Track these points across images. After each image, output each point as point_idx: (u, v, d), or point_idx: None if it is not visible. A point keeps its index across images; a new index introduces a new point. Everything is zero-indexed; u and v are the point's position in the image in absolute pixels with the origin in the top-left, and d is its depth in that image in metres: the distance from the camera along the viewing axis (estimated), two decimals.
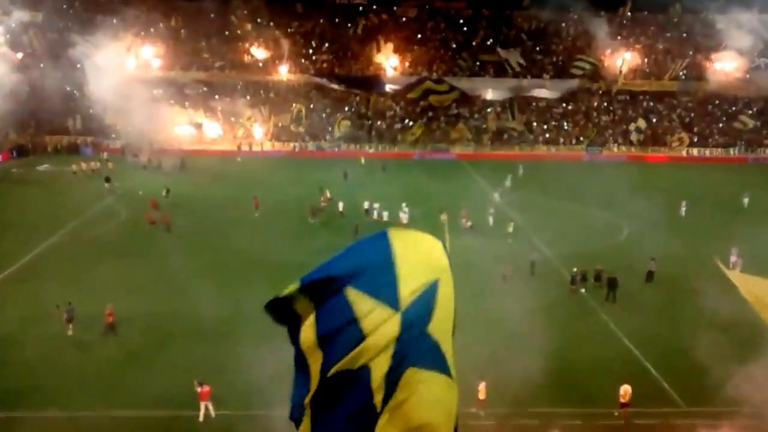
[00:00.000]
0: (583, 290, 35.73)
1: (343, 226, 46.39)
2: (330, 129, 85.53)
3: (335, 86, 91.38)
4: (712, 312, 31.00)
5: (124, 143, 76.52)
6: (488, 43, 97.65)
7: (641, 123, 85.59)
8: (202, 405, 24.07)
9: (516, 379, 24.87)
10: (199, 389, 24.05)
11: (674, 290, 35.92)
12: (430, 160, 79.22)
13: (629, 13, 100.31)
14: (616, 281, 34.79)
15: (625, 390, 24.57)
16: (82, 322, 30.36)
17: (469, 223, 47.49)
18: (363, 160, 74.14)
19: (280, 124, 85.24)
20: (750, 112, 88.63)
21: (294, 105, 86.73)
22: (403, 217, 47.61)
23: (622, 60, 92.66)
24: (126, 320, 30.99)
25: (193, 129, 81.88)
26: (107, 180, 60.17)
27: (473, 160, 78.54)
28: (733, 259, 38.14)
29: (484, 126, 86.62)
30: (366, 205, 50.53)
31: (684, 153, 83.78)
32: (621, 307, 34.01)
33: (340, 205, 50.88)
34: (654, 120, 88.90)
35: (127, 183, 60.60)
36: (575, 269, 36.61)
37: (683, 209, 51.65)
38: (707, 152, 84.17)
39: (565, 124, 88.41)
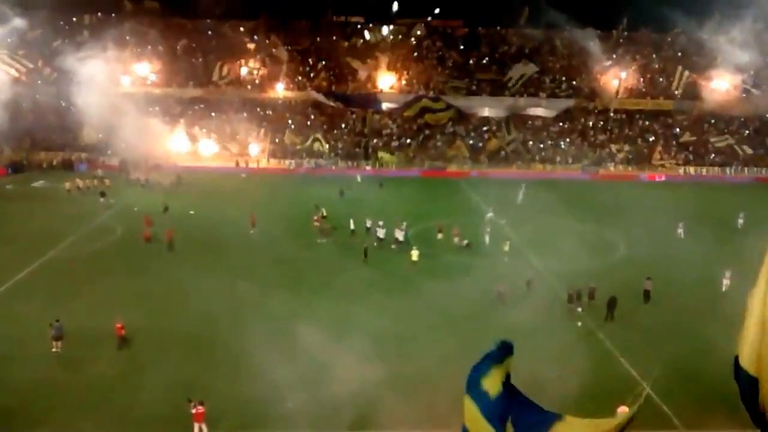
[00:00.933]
0: (579, 309, 35.46)
1: (354, 246, 46.41)
2: (326, 147, 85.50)
3: (332, 104, 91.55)
4: (708, 333, 30.86)
5: (121, 160, 76.02)
6: (484, 61, 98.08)
7: (624, 148, 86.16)
8: (196, 426, 23.66)
9: None
10: (193, 410, 23.67)
11: (671, 310, 35.81)
12: (429, 178, 79.28)
13: (625, 33, 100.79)
14: (615, 300, 34.55)
15: (623, 412, 24.29)
16: (75, 339, 30.09)
17: (465, 242, 47.40)
18: (359, 178, 74.19)
19: (279, 141, 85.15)
20: (747, 131, 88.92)
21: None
22: (399, 234, 47.40)
23: (618, 81, 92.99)
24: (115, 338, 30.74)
25: (188, 146, 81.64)
26: (102, 195, 60.37)
27: (470, 178, 78.61)
28: (725, 282, 38.04)
29: (481, 144, 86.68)
30: (368, 223, 50.10)
31: (681, 172, 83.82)
32: (618, 326, 33.78)
33: (351, 223, 50.26)
34: (651, 139, 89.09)
35: (123, 200, 60.40)
36: (572, 288, 36.41)
37: (680, 230, 51.52)
38: (704, 171, 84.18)
39: (562, 142, 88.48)
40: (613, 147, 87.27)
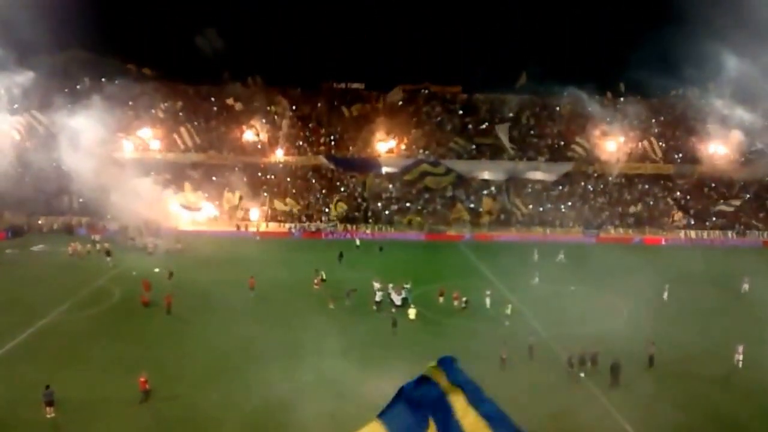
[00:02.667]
0: (582, 374, 34.69)
1: (369, 311, 46.09)
2: (327, 210, 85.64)
3: (332, 168, 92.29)
4: (715, 401, 30.25)
5: (121, 225, 75.29)
6: (484, 126, 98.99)
7: (624, 211, 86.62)
8: None
9: None
10: None
11: (676, 375, 35.03)
12: (429, 241, 79.25)
13: (624, 97, 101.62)
14: (618, 366, 33.65)
15: None
16: (69, 405, 29.52)
17: (465, 299, 47.06)
18: (359, 242, 73.97)
19: (284, 207, 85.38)
20: (747, 195, 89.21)
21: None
22: (396, 298, 46.98)
23: (617, 145, 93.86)
24: (114, 402, 30.14)
25: (188, 211, 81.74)
26: (108, 254, 61.65)
27: (470, 241, 78.62)
28: (738, 357, 36.73)
29: (480, 209, 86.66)
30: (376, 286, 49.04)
31: (682, 235, 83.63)
32: (624, 393, 32.87)
33: (376, 287, 48.61)
34: (651, 202, 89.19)
35: (122, 264, 60.14)
36: (573, 352, 35.59)
37: (666, 294, 50.76)
38: (705, 235, 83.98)
39: (561, 206, 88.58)
40: (613, 210, 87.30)
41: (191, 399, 31.15)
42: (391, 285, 48.49)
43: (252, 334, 40.36)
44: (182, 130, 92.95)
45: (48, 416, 28.97)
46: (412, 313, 43.65)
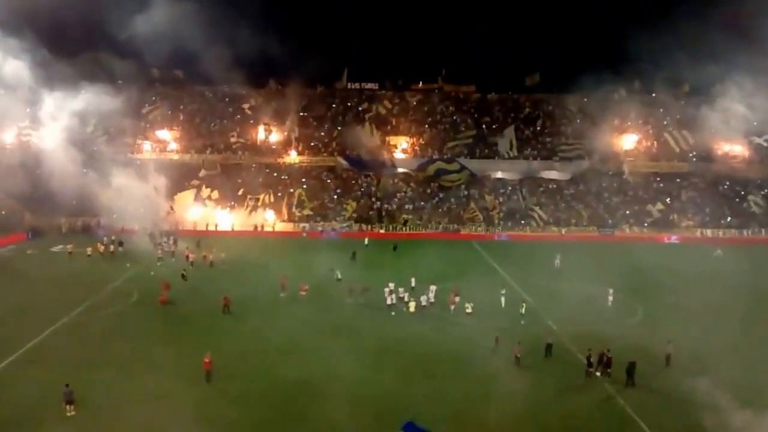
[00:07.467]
0: (598, 374, 34.56)
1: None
2: (341, 210, 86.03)
3: (347, 167, 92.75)
4: (733, 397, 30.14)
5: (152, 233, 73.17)
6: (496, 125, 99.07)
7: (639, 210, 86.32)
8: None
9: None
10: None
11: (694, 374, 34.68)
12: (444, 240, 79.35)
13: (637, 95, 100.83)
14: (634, 365, 33.45)
15: None
16: (89, 404, 29.76)
17: (467, 307, 46.48)
18: (367, 241, 74.01)
19: (292, 205, 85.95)
20: (763, 192, 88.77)
21: (297, 189, 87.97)
22: (404, 296, 47.02)
23: (632, 144, 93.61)
24: (130, 402, 30.43)
25: (207, 211, 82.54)
26: (120, 244, 66.31)
27: (484, 240, 78.72)
28: None
29: (494, 208, 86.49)
30: (391, 286, 48.49)
31: (698, 234, 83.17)
32: (640, 392, 32.65)
33: (432, 290, 48.24)
34: (667, 200, 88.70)
35: (139, 264, 60.79)
36: (588, 352, 35.38)
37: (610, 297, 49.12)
38: (720, 233, 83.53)
39: (576, 205, 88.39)
40: (628, 209, 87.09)
41: (206, 396, 31.37)
42: (430, 287, 48.17)
43: (274, 340, 40.57)
44: (199, 131, 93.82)
45: (68, 414, 29.24)
46: (412, 305, 44.39)
